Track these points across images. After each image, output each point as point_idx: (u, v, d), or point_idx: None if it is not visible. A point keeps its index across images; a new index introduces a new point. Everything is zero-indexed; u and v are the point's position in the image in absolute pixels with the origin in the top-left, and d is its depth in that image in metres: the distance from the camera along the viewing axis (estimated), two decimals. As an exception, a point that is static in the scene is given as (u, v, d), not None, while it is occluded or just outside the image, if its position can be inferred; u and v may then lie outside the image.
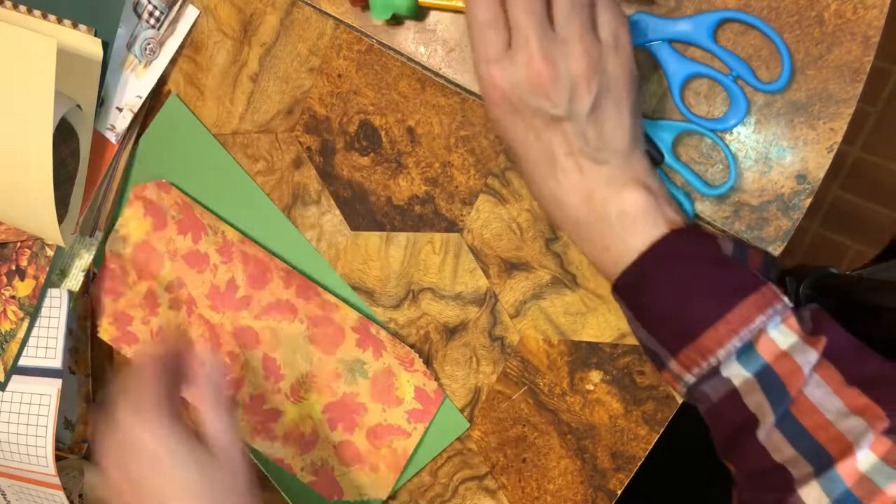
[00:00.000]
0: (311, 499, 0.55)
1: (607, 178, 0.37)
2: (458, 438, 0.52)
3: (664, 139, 0.43)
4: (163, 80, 0.54)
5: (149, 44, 0.52)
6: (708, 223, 0.44)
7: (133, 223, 0.55)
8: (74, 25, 0.49)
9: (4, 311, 0.56)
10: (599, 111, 0.37)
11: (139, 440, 0.39)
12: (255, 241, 0.54)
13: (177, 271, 0.54)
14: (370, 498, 0.54)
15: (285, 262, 0.53)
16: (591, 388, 0.49)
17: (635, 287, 0.38)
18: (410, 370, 0.51)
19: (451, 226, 0.49)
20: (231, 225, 0.54)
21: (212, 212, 0.54)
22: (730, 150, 0.42)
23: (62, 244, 0.53)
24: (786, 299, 0.36)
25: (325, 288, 0.53)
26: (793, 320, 0.35)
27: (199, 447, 0.40)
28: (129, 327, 0.56)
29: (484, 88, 0.38)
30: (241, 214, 0.54)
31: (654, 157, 0.42)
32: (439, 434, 0.52)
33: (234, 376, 0.55)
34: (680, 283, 0.36)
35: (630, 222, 0.37)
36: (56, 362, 0.55)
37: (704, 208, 0.44)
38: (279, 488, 0.55)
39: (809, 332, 0.35)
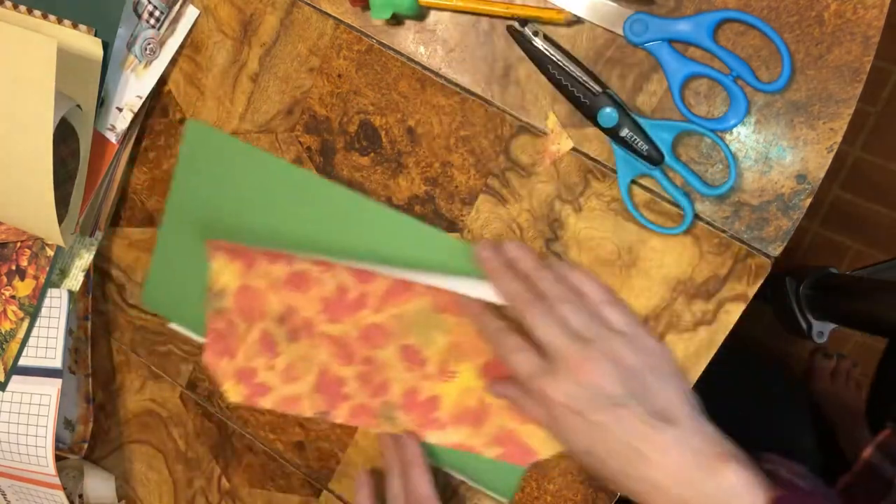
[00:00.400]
0: (503, 474, 0.51)
1: (692, 447, 0.39)
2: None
3: (664, 139, 0.43)
4: (163, 80, 0.54)
5: (149, 44, 0.52)
6: (708, 223, 0.44)
7: (224, 275, 0.52)
8: (74, 25, 0.49)
9: (4, 311, 0.56)
10: (652, 381, 0.41)
11: None
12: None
13: (284, 300, 0.51)
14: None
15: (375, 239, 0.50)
16: (591, 388, 0.49)
17: None
18: None
19: (451, 226, 0.49)
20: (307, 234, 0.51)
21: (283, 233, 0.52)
22: (730, 150, 0.42)
23: (62, 244, 0.53)
24: None
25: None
26: None
27: None
28: (255, 380, 0.53)
29: (542, 406, 0.42)
30: (307, 209, 0.52)
31: (654, 158, 0.42)
32: None
33: (379, 380, 0.51)
34: None
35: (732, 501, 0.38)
36: (56, 362, 0.55)
37: (704, 208, 0.44)
38: (465, 478, 0.52)
39: None
